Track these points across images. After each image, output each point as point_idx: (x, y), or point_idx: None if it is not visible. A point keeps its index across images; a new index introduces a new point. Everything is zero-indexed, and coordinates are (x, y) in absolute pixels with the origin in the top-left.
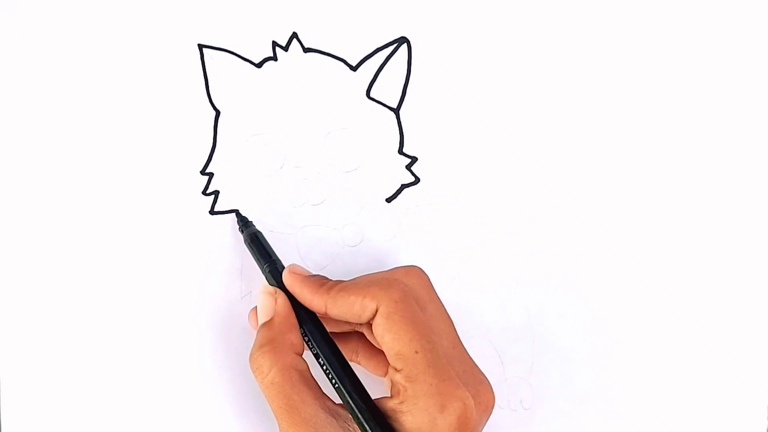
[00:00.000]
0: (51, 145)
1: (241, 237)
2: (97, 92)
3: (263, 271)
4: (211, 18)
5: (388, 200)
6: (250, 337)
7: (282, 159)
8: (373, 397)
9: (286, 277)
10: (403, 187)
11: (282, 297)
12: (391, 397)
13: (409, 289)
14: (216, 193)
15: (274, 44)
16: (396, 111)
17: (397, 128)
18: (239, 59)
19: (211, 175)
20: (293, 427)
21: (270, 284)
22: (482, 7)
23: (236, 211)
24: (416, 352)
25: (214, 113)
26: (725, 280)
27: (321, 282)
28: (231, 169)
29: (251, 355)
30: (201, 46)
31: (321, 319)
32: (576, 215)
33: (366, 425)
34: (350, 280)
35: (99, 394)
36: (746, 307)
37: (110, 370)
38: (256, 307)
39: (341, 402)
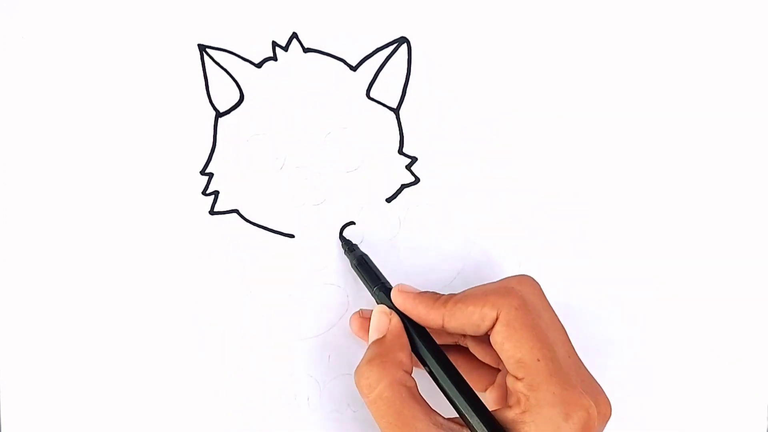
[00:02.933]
0: (51, 145)
1: (240, 238)
2: (97, 93)
3: (372, 293)
4: (211, 18)
5: (388, 200)
6: (250, 337)
7: (282, 159)
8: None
9: (396, 296)
10: (403, 187)
11: (396, 317)
12: (510, 407)
13: (526, 297)
14: (216, 193)
15: (274, 44)
16: (396, 111)
17: (397, 128)
18: (239, 59)
19: (211, 175)
20: None
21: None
22: (482, 7)
23: (341, 235)
24: (538, 360)
25: (214, 113)
26: (725, 279)
27: (435, 296)
28: (231, 169)
29: (358, 369)
30: (201, 47)
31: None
32: (576, 215)
33: None
34: (462, 292)
35: (99, 393)
36: (746, 307)
37: (110, 369)
38: (358, 312)
39: (453, 417)
